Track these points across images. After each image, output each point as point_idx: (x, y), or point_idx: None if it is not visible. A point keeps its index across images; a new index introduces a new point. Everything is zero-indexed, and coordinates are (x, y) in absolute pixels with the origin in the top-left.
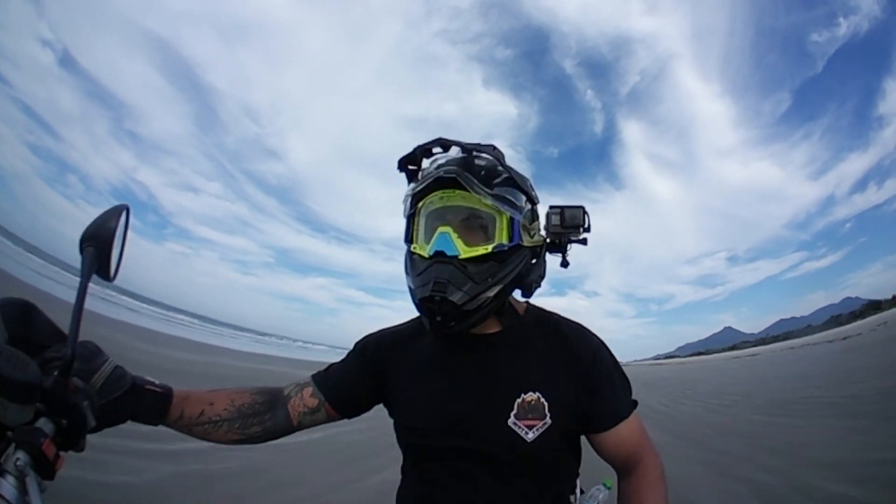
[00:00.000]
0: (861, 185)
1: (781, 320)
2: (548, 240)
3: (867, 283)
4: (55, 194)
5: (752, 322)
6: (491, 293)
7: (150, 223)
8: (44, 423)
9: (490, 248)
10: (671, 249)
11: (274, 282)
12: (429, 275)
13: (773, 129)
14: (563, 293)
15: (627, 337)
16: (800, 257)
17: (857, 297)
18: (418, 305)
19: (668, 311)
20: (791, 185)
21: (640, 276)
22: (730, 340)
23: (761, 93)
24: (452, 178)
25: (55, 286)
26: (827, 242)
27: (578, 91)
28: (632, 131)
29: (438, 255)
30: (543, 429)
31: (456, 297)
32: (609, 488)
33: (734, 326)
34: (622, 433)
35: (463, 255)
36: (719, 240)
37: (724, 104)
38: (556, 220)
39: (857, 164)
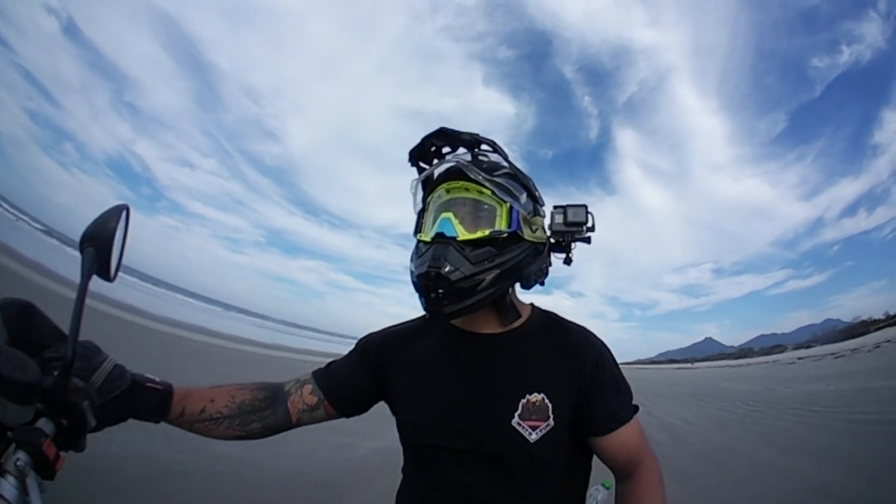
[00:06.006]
0: (851, 210)
1: (762, 335)
2: (552, 239)
3: (850, 305)
4: (50, 161)
5: (733, 334)
6: (487, 276)
7: (144, 195)
8: (44, 423)
9: (487, 232)
10: (658, 257)
11: (263, 261)
12: (428, 254)
13: (766, 149)
14: (549, 292)
15: (610, 340)
16: (785, 275)
17: (838, 319)
18: (416, 284)
19: (651, 317)
20: (781, 205)
21: (625, 281)
22: (710, 351)
23: (757, 112)
24: (457, 170)
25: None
26: (813, 263)
27: (576, 96)
28: (626, 139)
29: (439, 237)
30: (547, 430)
31: (451, 274)
32: (608, 488)
33: (715, 337)
34: (623, 437)
35: (461, 237)
36: (706, 251)
37: (720, 120)
38: (559, 218)
39: (848, 189)
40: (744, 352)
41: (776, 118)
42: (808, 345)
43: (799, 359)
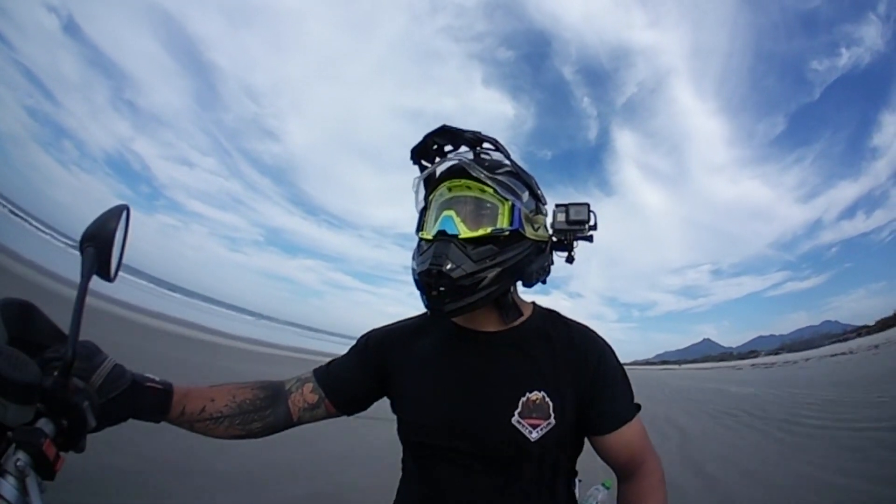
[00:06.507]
0: (850, 212)
1: (760, 336)
2: (554, 238)
3: (849, 307)
4: (49, 159)
5: (731, 336)
6: (489, 274)
7: (143, 194)
8: (44, 424)
9: (489, 230)
10: (656, 258)
11: (262, 260)
12: (430, 252)
13: (765, 151)
14: (548, 292)
15: (608, 340)
16: (783, 276)
17: (836, 321)
18: (417, 282)
19: (649, 318)
20: (779, 206)
21: (624, 282)
22: (707, 352)
23: (756, 114)
24: (459, 168)
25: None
26: (811, 265)
27: (575, 97)
28: (625, 140)
29: (441, 235)
30: (547, 429)
31: (453, 272)
32: (608, 488)
33: (713, 339)
34: (625, 436)
35: (463, 235)
36: (704, 253)
37: (719, 122)
38: (561, 216)
39: (847, 191)
40: (723, 356)
41: (775, 120)
42: (776, 351)
43: (752, 365)
